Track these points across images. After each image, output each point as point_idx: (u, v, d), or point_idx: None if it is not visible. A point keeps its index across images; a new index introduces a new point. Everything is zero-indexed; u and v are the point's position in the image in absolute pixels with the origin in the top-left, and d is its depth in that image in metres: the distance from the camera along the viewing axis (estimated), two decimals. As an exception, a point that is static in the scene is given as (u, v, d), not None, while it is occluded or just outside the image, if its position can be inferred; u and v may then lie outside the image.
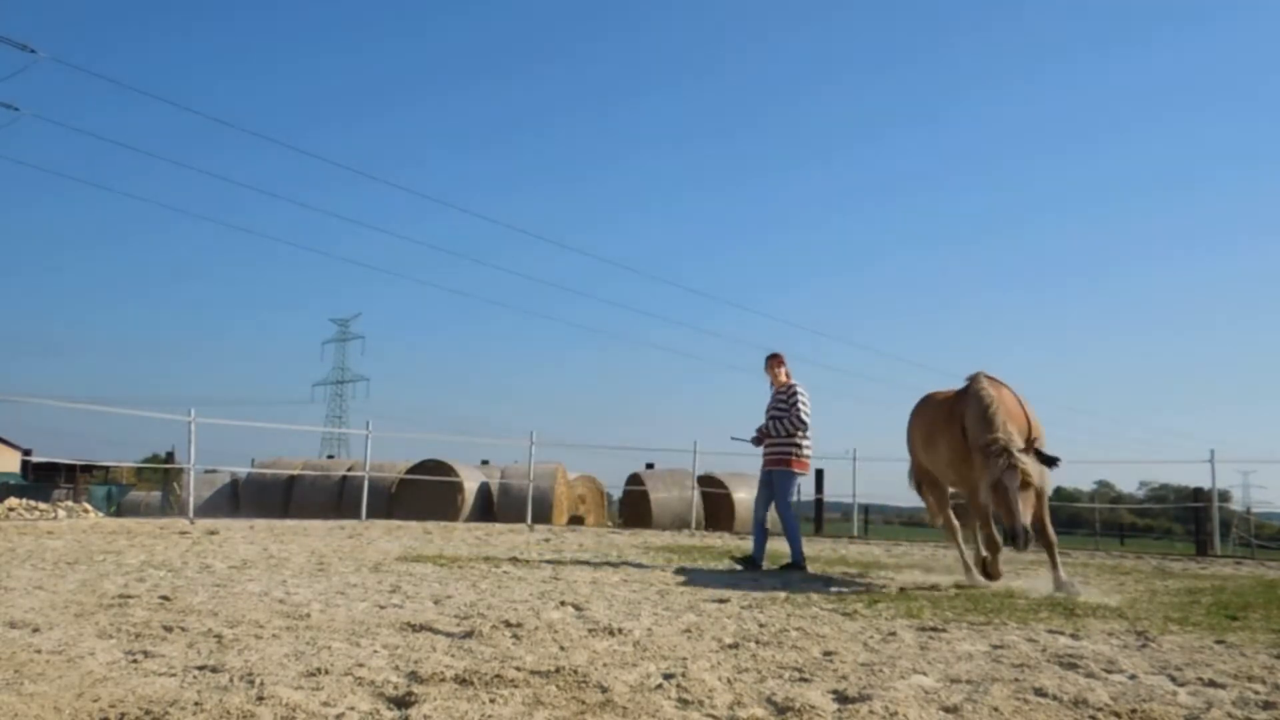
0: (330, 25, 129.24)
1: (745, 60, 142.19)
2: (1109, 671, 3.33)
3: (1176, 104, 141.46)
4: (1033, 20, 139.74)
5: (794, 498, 8.09)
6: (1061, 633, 4.30)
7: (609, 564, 7.66)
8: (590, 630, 3.88)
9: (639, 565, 7.61)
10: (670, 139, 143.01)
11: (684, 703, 2.64)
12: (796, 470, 7.58)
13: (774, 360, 7.71)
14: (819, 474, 18.64)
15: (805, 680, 3.01)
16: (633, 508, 20.83)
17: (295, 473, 21.98)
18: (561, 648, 3.46)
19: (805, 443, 7.60)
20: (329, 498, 20.92)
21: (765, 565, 7.51)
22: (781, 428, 7.52)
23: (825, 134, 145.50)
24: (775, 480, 7.57)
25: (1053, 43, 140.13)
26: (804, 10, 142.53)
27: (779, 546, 8.39)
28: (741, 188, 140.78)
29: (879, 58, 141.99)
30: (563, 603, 4.80)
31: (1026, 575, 7.98)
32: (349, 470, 21.64)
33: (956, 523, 7.46)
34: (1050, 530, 6.50)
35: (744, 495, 20.34)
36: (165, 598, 4.51)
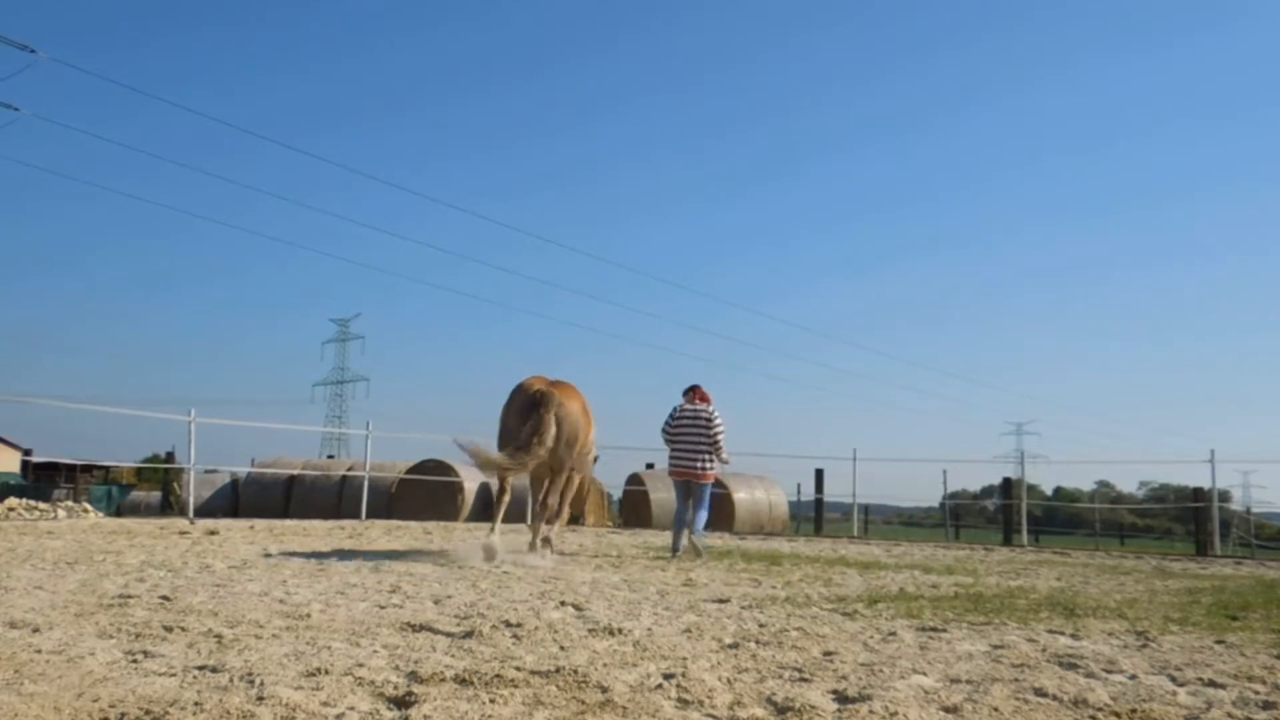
0: (331, 28, 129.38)
1: (753, 66, 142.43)
2: (1109, 671, 3.33)
3: (1177, 109, 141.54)
4: (1034, 27, 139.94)
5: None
6: (1061, 633, 4.30)
7: (609, 564, 7.66)
8: (590, 630, 3.88)
9: (639, 565, 7.61)
10: (673, 142, 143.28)
11: (684, 703, 2.64)
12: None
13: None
14: (819, 474, 18.64)
15: (805, 680, 3.01)
16: (633, 508, 20.84)
17: (295, 473, 21.99)
18: (561, 648, 3.46)
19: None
20: (329, 498, 20.93)
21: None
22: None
23: (823, 140, 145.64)
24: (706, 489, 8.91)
25: (1052, 50, 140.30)
26: (811, 17, 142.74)
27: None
28: (742, 192, 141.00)
29: (884, 64, 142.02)
30: (563, 603, 4.80)
31: (1026, 575, 7.99)
32: (349, 470, 21.65)
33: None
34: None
35: (744, 496, 20.37)
36: (165, 598, 4.51)
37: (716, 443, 8.66)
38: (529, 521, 16.38)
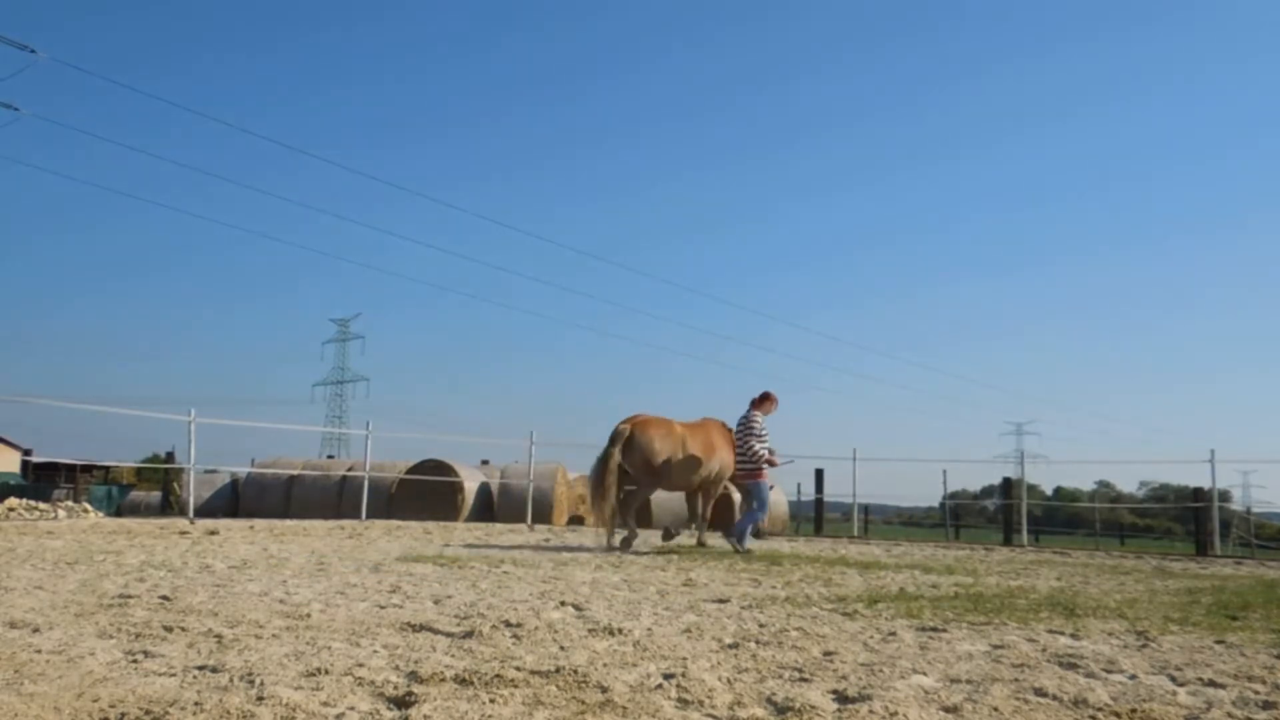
0: (327, 33, 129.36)
1: (792, 87, 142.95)
2: (1109, 671, 3.33)
3: (1186, 125, 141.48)
4: (1059, 62, 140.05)
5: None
6: (1061, 633, 4.29)
7: (609, 564, 7.66)
8: (590, 630, 3.88)
9: (639, 565, 7.61)
10: (686, 160, 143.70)
11: (684, 703, 2.64)
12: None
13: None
14: (819, 474, 18.64)
15: (805, 680, 3.01)
16: (633, 508, 20.79)
17: (295, 473, 21.98)
18: (561, 648, 3.46)
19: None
20: (329, 498, 20.92)
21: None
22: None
23: (835, 167, 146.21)
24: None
25: (1055, 88, 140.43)
26: (851, 40, 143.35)
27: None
28: (751, 210, 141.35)
29: (931, 85, 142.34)
30: (563, 603, 4.80)
31: (1026, 575, 7.99)
32: (349, 470, 21.64)
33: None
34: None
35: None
36: (165, 598, 4.51)
37: (747, 444, 9.57)
38: (528, 522, 16.46)
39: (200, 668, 2.91)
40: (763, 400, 9.82)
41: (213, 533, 10.21)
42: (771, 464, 9.63)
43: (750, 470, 9.63)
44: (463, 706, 2.50)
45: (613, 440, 9.49)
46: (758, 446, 9.52)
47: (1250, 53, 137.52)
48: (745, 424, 9.68)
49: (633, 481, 9.56)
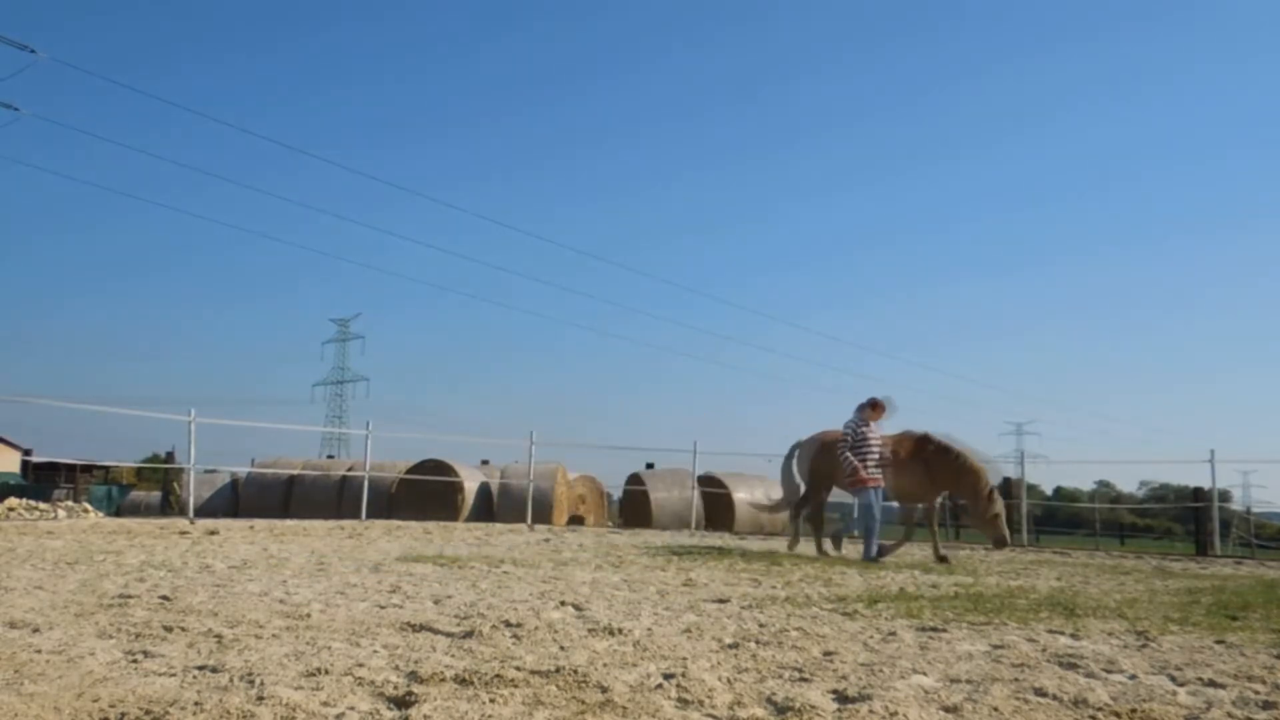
0: (325, 33, 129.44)
1: (792, 87, 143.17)
2: (1109, 671, 3.33)
3: (1181, 130, 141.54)
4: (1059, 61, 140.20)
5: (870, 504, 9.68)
6: (1061, 633, 4.29)
7: (609, 564, 7.66)
8: (590, 630, 3.87)
9: (639, 565, 7.61)
10: (697, 153, 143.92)
11: (684, 703, 2.64)
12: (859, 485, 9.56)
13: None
14: (819, 474, 18.59)
15: (805, 680, 3.01)
16: (633, 508, 20.82)
17: (295, 473, 21.98)
18: (561, 648, 3.46)
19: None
20: (329, 498, 20.92)
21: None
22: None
23: (835, 168, 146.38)
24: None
25: (1057, 90, 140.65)
26: (859, 41, 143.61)
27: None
28: (746, 199, 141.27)
29: (931, 85, 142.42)
30: (563, 603, 4.80)
31: (1026, 575, 7.99)
32: (349, 470, 21.64)
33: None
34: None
35: (743, 495, 20.34)
36: (165, 598, 4.51)
37: (843, 453, 9.55)
38: (528, 522, 16.47)
39: (200, 668, 2.91)
40: (865, 408, 9.58)
41: (213, 533, 10.21)
42: (859, 475, 9.30)
43: (853, 475, 9.41)
44: (463, 706, 2.50)
45: (790, 451, 10.68)
46: (850, 456, 9.35)
47: (1250, 53, 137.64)
48: (845, 432, 9.57)
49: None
